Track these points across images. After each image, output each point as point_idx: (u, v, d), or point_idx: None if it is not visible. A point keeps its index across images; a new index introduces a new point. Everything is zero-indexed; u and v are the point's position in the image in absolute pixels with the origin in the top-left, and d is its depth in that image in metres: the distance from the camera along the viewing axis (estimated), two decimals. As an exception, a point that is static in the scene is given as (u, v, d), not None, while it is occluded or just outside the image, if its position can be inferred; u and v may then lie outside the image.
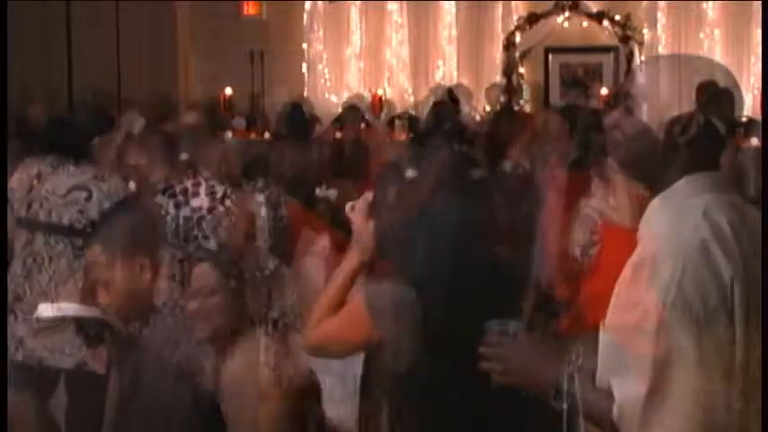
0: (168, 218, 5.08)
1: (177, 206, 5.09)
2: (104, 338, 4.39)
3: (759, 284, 2.18)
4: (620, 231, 4.94)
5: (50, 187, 4.83)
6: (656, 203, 4.83)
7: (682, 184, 3.07)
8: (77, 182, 4.81)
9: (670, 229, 4.89)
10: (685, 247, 2.68)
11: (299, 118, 9.15)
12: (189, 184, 5.25)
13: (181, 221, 5.07)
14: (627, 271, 5.01)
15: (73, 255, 4.79)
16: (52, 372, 4.67)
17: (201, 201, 5.17)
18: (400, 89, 12.27)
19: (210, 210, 5.16)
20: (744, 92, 11.41)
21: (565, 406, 1.97)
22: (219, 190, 5.21)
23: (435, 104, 9.61)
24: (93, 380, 4.77)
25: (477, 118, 11.61)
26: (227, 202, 5.19)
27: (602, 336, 2.08)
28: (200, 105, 9.85)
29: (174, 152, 5.19)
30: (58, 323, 4.73)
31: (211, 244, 5.10)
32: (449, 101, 9.95)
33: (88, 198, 4.77)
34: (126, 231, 3.17)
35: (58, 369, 4.68)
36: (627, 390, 2.04)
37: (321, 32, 12.38)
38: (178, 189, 5.19)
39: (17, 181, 4.85)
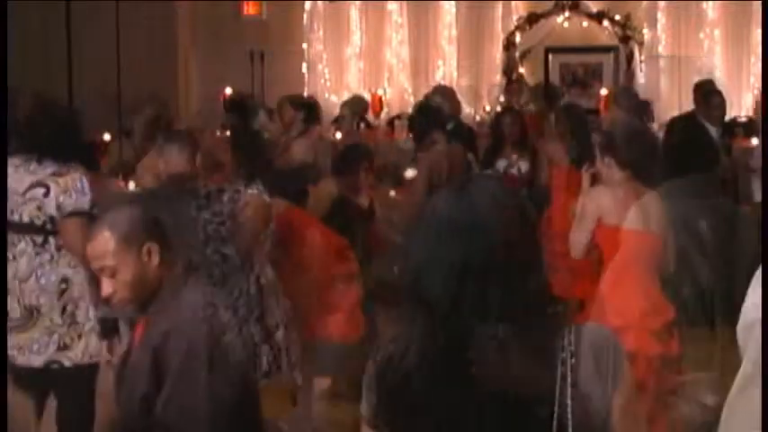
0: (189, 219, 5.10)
1: (199, 208, 5.11)
2: (119, 332, 4.40)
3: (759, 285, 2.20)
4: (616, 232, 4.96)
5: (12, 186, 4.83)
6: (641, 205, 4.90)
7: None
8: (37, 178, 4.83)
9: (653, 232, 4.95)
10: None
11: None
12: (214, 188, 5.27)
13: (201, 223, 5.10)
14: (609, 275, 5.07)
15: (34, 252, 4.82)
16: (24, 371, 4.67)
17: (222, 206, 5.19)
18: (400, 89, 12.26)
19: (231, 216, 5.17)
20: (744, 92, 11.42)
21: (556, 409, 1.97)
22: (242, 198, 5.22)
23: (420, 104, 9.56)
24: (63, 377, 4.77)
25: (477, 118, 11.63)
26: (249, 212, 5.20)
27: (588, 337, 2.07)
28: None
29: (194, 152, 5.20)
30: (26, 321, 4.72)
31: (228, 249, 5.12)
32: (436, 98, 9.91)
33: (46, 194, 4.80)
34: (134, 218, 3.19)
35: (29, 368, 4.70)
36: (614, 390, 2.04)
37: (321, 32, 12.37)
38: (202, 192, 5.21)
39: None
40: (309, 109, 8.76)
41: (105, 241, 3.13)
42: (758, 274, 2.23)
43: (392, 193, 7.55)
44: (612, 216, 4.88)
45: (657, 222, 4.87)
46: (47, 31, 11.38)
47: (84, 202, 4.66)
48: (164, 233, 3.21)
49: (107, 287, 3.14)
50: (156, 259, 3.13)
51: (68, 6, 11.06)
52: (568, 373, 2.01)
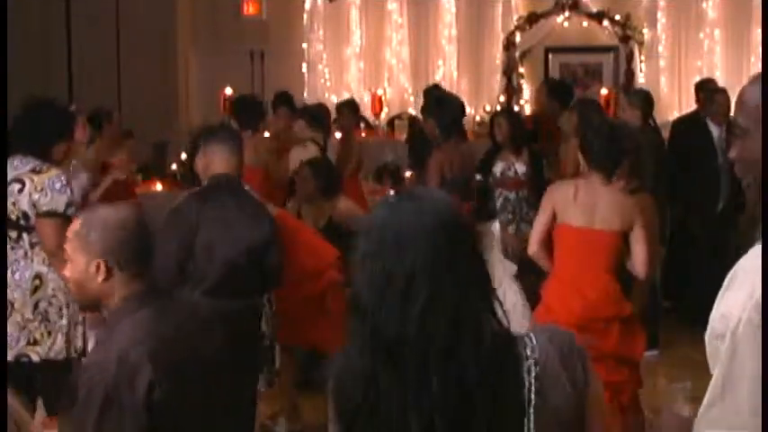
0: None
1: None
2: None
3: (726, 293, 2.14)
4: (561, 227, 5.00)
5: None
6: (584, 203, 5.06)
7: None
8: (16, 174, 4.82)
9: (599, 229, 5.03)
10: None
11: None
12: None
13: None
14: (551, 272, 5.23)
15: (9, 247, 4.82)
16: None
17: None
18: (400, 89, 12.24)
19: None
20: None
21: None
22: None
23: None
24: (33, 371, 4.79)
25: (478, 118, 11.61)
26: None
27: (548, 338, 2.08)
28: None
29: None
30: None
31: None
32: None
33: (20, 190, 4.79)
34: (102, 228, 3.01)
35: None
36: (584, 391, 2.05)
37: (321, 32, 12.36)
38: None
39: None
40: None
41: (73, 228, 3.00)
42: (728, 280, 2.14)
43: (392, 192, 7.51)
44: (563, 211, 4.92)
45: (606, 219, 4.85)
46: (47, 31, 11.37)
47: (60, 202, 4.65)
48: (131, 257, 2.94)
49: (65, 270, 3.06)
50: (100, 277, 2.92)
51: (68, 6, 11.06)
52: (533, 382, 1.96)
